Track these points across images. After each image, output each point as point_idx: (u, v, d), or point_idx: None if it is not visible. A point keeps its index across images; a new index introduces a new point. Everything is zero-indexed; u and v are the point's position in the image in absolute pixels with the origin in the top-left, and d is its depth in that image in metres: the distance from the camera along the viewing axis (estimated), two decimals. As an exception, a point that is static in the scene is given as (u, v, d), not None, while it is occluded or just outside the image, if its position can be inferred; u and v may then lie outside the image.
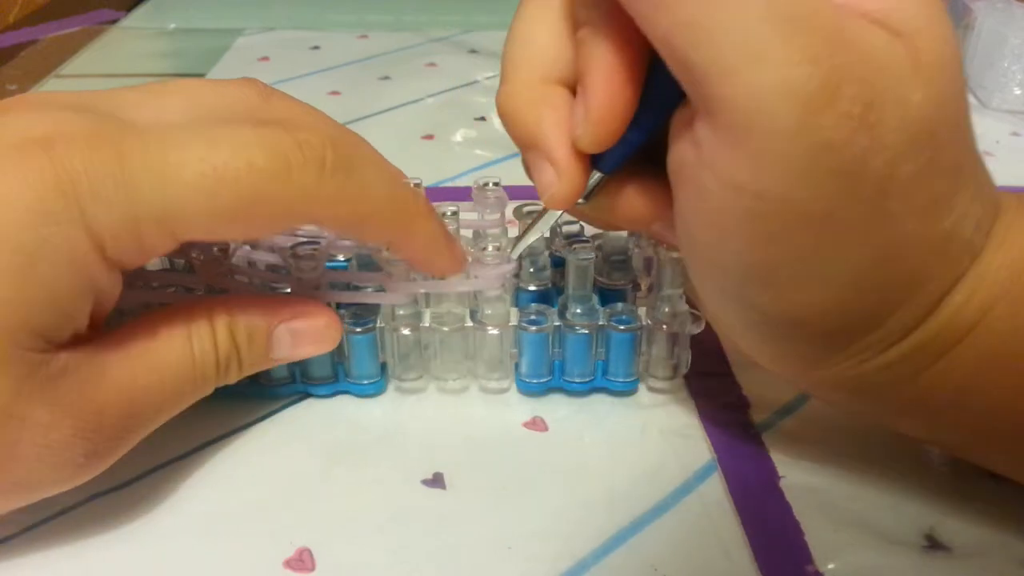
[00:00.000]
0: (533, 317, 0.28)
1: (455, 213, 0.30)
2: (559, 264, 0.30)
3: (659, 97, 0.20)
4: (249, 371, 0.25)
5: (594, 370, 0.28)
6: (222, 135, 0.21)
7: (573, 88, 0.22)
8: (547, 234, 0.28)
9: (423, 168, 0.42)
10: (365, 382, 0.28)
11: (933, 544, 0.23)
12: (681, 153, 0.20)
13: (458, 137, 0.48)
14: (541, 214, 0.25)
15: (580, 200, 0.23)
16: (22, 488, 0.22)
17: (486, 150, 0.47)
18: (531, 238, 0.26)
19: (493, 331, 0.27)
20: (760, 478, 0.26)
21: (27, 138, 0.20)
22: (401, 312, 0.28)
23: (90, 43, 0.63)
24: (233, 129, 0.21)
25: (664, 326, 0.27)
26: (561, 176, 0.22)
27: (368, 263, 0.29)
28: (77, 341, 0.21)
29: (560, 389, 0.29)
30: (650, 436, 0.27)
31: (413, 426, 0.28)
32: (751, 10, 0.17)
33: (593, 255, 0.27)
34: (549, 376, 0.28)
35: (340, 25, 0.67)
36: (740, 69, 0.17)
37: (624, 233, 0.30)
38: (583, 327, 0.27)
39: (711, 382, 0.29)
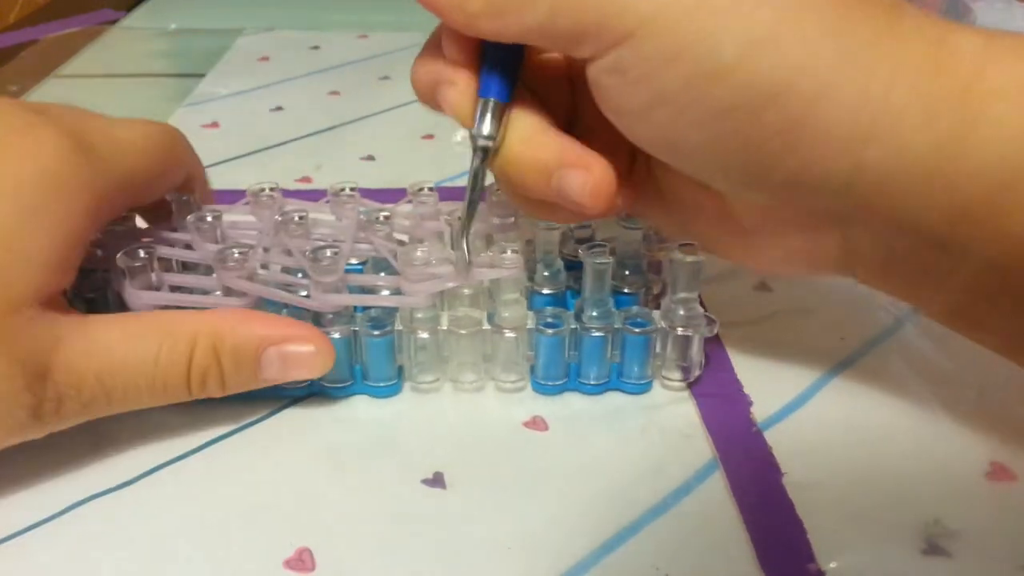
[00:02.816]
0: (549, 320, 0.28)
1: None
2: (572, 268, 0.30)
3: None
4: (235, 389, 0.26)
5: (609, 372, 0.28)
6: (127, 121, 0.28)
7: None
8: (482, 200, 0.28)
9: (423, 168, 0.42)
10: (381, 384, 0.28)
11: (934, 543, 0.23)
12: (610, 92, 0.22)
13: (458, 137, 0.48)
14: (471, 173, 0.25)
15: (489, 137, 0.24)
16: None
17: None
18: (474, 206, 0.26)
19: (510, 334, 0.27)
20: (762, 477, 0.26)
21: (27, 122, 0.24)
22: (419, 315, 0.28)
23: (90, 43, 0.63)
24: (125, 119, 0.28)
25: (679, 329, 0.28)
26: (455, 76, 0.25)
27: (384, 267, 0.30)
28: (49, 301, 0.24)
29: (574, 390, 0.29)
30: (651, 435, 0.27)
31: (413, 426, 0.28)
32: None
33: (611, 259, 0.27)
34: (564, 378, 0.28)
35: (340, 25, 0.67)
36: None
37: (638, 237, 0.30)
38: (599, 330, 0.27)
39: (712, 381, 0.29)
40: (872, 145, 0.20)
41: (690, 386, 0.29)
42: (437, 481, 0.26)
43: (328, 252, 0.27)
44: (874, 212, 0.22)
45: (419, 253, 0.27)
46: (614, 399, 0.29)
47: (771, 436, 0.27)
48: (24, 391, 0.23)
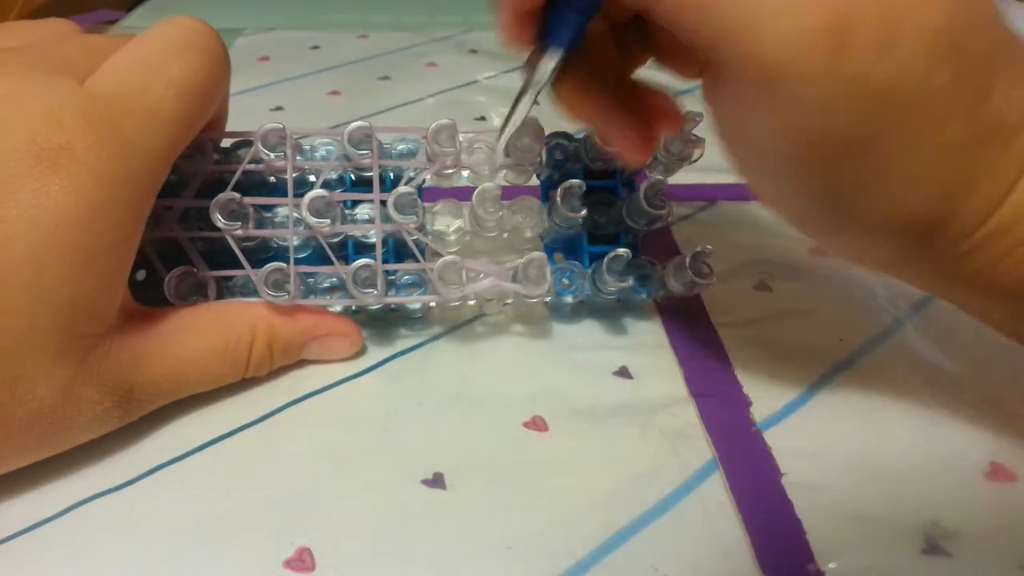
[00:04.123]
0: (566, 282, 0.30)
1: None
2: (593, 187, 0.31)
3: None
4: (276, 368, 0.29)
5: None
6: (156, 58, 0.25)
7: None
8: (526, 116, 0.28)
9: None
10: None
11: (934, 544, 0.23)
12: (720, 106, 0.22)
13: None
14: (517, 97, 0.26)
15: (548, 78, 0.25)
16: (71, 442, 0.25)
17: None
18: (512, 127, 0.27)
19: (532, 299, 0.30)
20: (761, 477, 0.26)
21: (51, 145, 0.22)
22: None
23: (90, 43, 0.63)
24: (155, 51, 0.25)
25: (679, 287, 0.29)
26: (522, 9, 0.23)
27: (402, 250, 0.31)
28: (120, 320, 0.25)
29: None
30: (650, 436, 0.27)
31: (414, 426, 0.28)
32: None
33: (627, 253, 0.29)
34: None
35: (340, 25, 0.67)
36: (760, 25, 0.18)
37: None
38: (611, 293, 0.30)
39: (712, 381, 0.29)
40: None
41: (688, 385, 0.29)
42: (437, 481, 0.26)
43: (366, 265, 0.28)
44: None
45: (452, 274, 0.29)
46: (614, 399, 0.29)
47: (771, 436, 0.27)
48: (113, 408, 0.25)
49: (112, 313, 0.24)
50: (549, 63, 0.24)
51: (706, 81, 0.22)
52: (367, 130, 0.29)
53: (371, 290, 0.28)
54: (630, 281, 0.29)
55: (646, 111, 0.26)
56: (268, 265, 0.28)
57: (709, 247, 0.28)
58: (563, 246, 0.33)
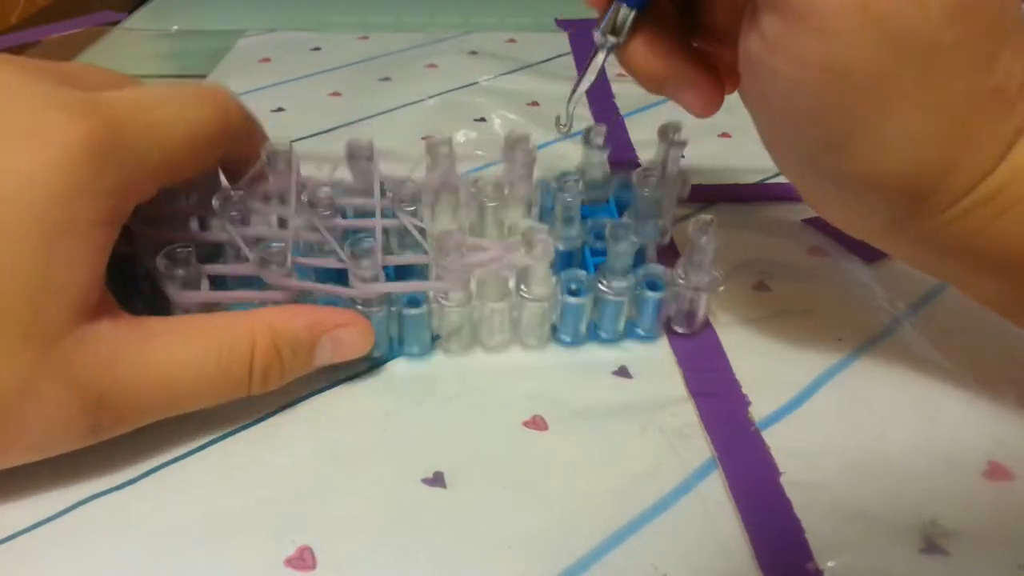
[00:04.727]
0: (573, 287, 0.29)
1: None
2: (588, 214, 0.33)
3: None
4: (290, 378, 0.28)
5: (625, 327, 0.31)
6: (177, 98, 0.26)
7: None
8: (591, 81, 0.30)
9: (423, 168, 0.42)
10: (416, 350, 0.30)
11: (932, 542, 0.24)
12: (750, 45, 0.23)
13: (459, 138, 0.48)
14: (590, 58, 0.29)
15: (617, 38, 0.27)
16: (33, 450, 0.24)
17: (486, 151, 0.47)
18: (585, 83, 0.29)
19: (537, 304, 0.29)
20: (760, 476, 0.26)
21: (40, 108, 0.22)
22: (452, 294, 0.29)
23: (92, 44, 0.64)
24: (176, 93, 0.26)
25: (690, 292, 0.30)
26: None
27: (409, 243, 0.31)
28: (95, 313, 0.23)
29: (593, 341, 0.31)
30: (650, 435, 0.27)
31: (414, 425, 0.28)
32: None
33: (637, 244, 0.29)
34: (585, 334, 0.31)
35: (341, 26, 0.67)
36: None
37: (656, 196, 0.32)
38: (618, 295, 0.29)
39: (711, 380, 0.29)
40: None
41: (687, 385, 0.29)
42: (437, 481, 0.26)
43: (365, 243, 0.28)
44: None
45: (453, 241, 0.28)
46: (614, 399, 0.29)
47: (769, 435, 0.27)
48: (80, 414, 0.23)
49: (83, 301, 0.23)
50: (624, 21, 0.27)
51: (742, 33, 0.24)
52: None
53: (371, 272, 0.28)
54: (635, 276, 0.30)
55: (712, 68, 0.28)
56: (263, 244, 0.28)
57: (710, 216, 0.29)
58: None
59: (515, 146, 0.33)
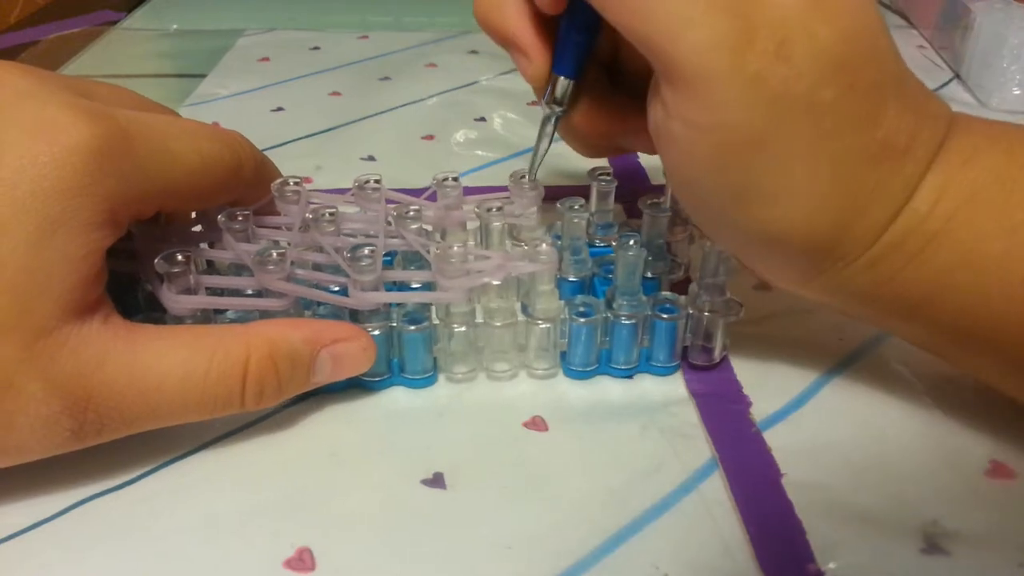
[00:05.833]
0: (582, 309, 0.28)
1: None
2: (596, 254, 0.32)
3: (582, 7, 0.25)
4: (288, 394, 0.27)
5: (638, 356, 0.29)
6: (193, 130, 0.26)
7: None
8: (550, 143, 0.32)
9: (423, 169, 0.42)
10: (418, 376, 0.29)
11: (934, 542, 0.23)
12: (654, 114, 0.24)
13: (459, 137, 0.48)
14: (541, 126, 0.31)
15: (559, 108, 0.29)
16: (16, 452, 0.23)
17: (486, 150, 0.47)
18: (541, 152, 0.32)
19: (544, 324, 0.28)
20: (761, 477, 0.26)
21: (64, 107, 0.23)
22: (454, 309, 0.28)
23: (91, 44, 0.63)
24: (194, 126, 0.27)
25: (705, 315, 0.29)
26: (530, 52, 0.28)
27: (414, 260, 0.31)
28: (84, 314, 0.23)
29: (605, 374, 0.30)
30: (650, 435, 0.27)
31: (414, 426, 0.28)
32: None
33: (643, 251, 0.28)
34: (596, 364, 0.29)
35: (341, 26, 0.67)
36: (679, 33, 0.21)
37: (663, 223, 0.32)
38: (630, 318, 0.28)
39: (712, 381, 0.29)
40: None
41: (687, 385, 0.29)
42: (437, 481, 0.26)
43: (366, 251, 0.27)
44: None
45: (455, 250, 0.28)
46: (614, 399, 0.29)
47: (770, 436, 0.27)
48: (63, 415, 0.23)
49: (71, 300, 0.22)
50: (564, 90, 0.29)
51: (648, 101, 0.24)
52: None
53: (370, 276, 0.27)
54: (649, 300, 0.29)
55: None
56: (263, 248, 0.28)
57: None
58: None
59: (520, 182, 0.32)
